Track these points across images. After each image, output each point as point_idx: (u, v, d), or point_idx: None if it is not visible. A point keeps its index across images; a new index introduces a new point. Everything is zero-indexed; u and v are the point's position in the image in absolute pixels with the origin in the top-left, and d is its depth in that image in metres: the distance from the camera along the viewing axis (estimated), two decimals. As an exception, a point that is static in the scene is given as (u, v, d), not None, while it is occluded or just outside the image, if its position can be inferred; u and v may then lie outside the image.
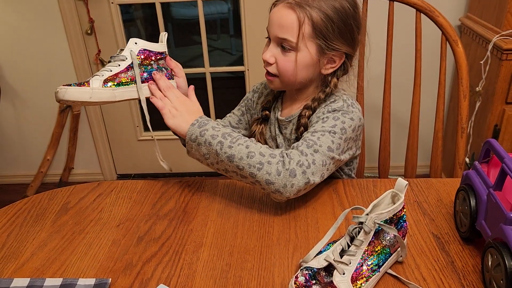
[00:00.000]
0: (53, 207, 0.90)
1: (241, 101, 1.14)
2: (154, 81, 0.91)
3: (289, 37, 0.86)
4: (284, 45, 0.88)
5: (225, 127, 0.85)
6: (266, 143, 1.04)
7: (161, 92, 0.91)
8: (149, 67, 0.91)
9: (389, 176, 1.29)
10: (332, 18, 0.86)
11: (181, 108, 0.88)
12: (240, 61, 2.20)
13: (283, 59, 0.89)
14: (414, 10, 1.13)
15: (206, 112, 2.45)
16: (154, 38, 0.96)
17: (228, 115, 1.15)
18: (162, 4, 2.03)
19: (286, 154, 0.80)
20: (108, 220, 0.85)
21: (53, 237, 0.81)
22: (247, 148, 0.80)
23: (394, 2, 1.15)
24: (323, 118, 0.88)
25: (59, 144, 2.26)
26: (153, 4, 2.03)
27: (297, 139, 0.95)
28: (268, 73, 0.94)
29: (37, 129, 2.26)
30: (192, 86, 0.95)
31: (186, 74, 1.01)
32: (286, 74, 0.90)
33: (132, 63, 0.88)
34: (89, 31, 2.03)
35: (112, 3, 1.99)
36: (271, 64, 0.91)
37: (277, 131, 1.03)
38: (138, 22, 2.64)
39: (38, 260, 0.76)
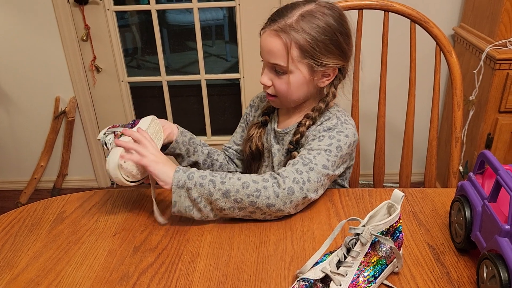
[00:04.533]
0: (48, 216, 0.89)
1: (241, 118, 1.17)
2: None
3: (279, 62, 0.90)
4: (277, 69, 0.92)
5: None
6: (263, 147, 1.05)
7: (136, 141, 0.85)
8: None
9: (384, 184, 1.30)
10: (317, 37, 0.88)
11: (160, 156, 0.83)
12: (235, 68, 2.21)
13: (278, 82, 0.93)
14: (409, 20, 1.14)
15: (201, 120, 2.45)
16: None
17: (232, 135, 1.17)
18: (158, 10, 2.04)
19: (279, 174, 0.83)
20: (104, 230, 0.85)
21: (49, 247, 0.80)
22: (239, 180, 0.81)
23: (389, 12, 1.16)
24: (319, 136, 0.91)
25: (53, 151, 2.25)
26: (149, 10, 2.03)
27: (291, 144, 0.96)
28: (268, 93, 0.97)
29: (31, 135, 2.25)
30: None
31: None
32: (284, 94, 0.94)
33: None
34: (84, 38, 2.02)
35: (108, 10, 1.99)
36: (269, 87, 0.95)
37: (273, 142, 1.03)
38: (134, 28, 2.64)
39: (33, 270, 0.75)
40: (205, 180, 0.80)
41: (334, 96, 0.96)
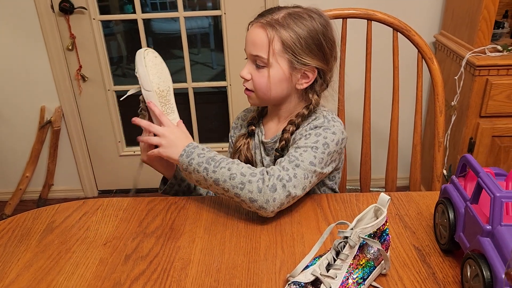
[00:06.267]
0: (38, 226, 0.89)
1: (228, 144, 1.18)
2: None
3: (260, 53, 0.92)
4: (257, 63, 0.94)
5: (209, 151, 0.89)
6: (252, 156, 1.06)
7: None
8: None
9: (370, 189, 1.33)
10: (300, 34, 0.91)
11: (170, 136, 0.93)
12: (221, 75, 2.22)
13: (257, 75, 0.95)
14: (391, 29, 1.18)
15: (189, 128, 2.45)
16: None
17: None
18: (143, 19, 2.05)
19: (267, 171, 0.85)
20: (94, 239, 0.85)
21: (39, 257, 0.80)
22: (229, 170, 0.85)
23: (372, 21, 1.19)
24: (306, 135, 0.92)
25: (38, 161, 2.23)
26: (134, 19, 2.04)
27: (277, 151, 0.98)
28: (246, 88, 0.99)
29: (16, 145, 2.22)
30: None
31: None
32: (261, 89, 0.95)
33: None
34: (70, 47, 2.02)
35: (93, 19, 2.00)
36: (248, 80, 0.97)
37: (263, 154, 1.05)
38: (119, 37, 2.64)
39: (24, 281, 0.75)
40: (201, 168, 0.87)
41: (317, 103, 0.98)
